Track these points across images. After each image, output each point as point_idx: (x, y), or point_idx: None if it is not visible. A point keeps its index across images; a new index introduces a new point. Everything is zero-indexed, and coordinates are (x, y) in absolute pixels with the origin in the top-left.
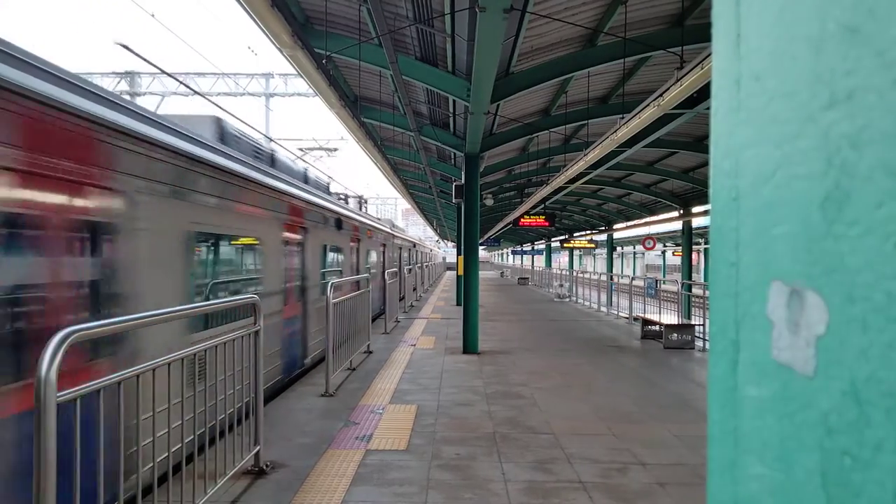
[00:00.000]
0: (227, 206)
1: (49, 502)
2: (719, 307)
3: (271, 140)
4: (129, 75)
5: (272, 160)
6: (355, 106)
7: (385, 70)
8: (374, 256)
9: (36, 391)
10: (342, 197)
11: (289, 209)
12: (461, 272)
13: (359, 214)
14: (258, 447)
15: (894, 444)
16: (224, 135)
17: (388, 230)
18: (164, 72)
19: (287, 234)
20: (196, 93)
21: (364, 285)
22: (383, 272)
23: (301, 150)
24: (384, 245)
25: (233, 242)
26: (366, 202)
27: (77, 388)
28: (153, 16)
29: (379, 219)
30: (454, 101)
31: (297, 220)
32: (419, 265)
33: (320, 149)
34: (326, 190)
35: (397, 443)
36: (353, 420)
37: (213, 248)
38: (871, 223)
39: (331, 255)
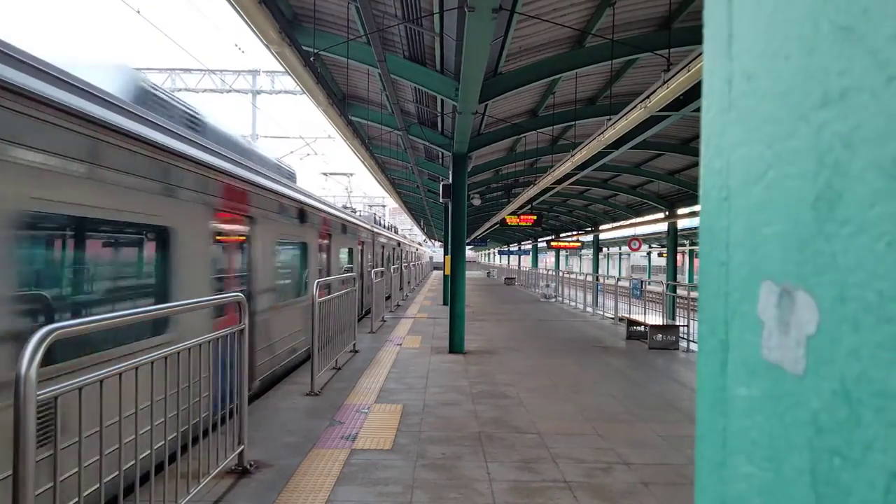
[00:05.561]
0: (103, 176)
1: (28, 496)
2: (709, 307)
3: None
4: None
5: (216, 135)
6: (343, 104)
7: (373, 68)
8: (352, 256)
9: (16, 389)
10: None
11: (226, 191)
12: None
13: (332, 207)
14: (242, 446)
15: (884, 443)
16: (138, 91)
17: (370, 227)
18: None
19: (220, 225)
20: (182, 89)
21: (345, 286)
22: (362, 273)
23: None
24: (363, 243)
25: (116, 231)
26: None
27: (57, 386)
28: (139, 12)
29: (357, 213)
30: (442, 100)
31: (239, 206)
32: (405, 264)
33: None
34: (292, 178)
35: (383, 442)
36: (338, 419)
37: (74, 236)
38: (863, 223)
39: (291, 254)
